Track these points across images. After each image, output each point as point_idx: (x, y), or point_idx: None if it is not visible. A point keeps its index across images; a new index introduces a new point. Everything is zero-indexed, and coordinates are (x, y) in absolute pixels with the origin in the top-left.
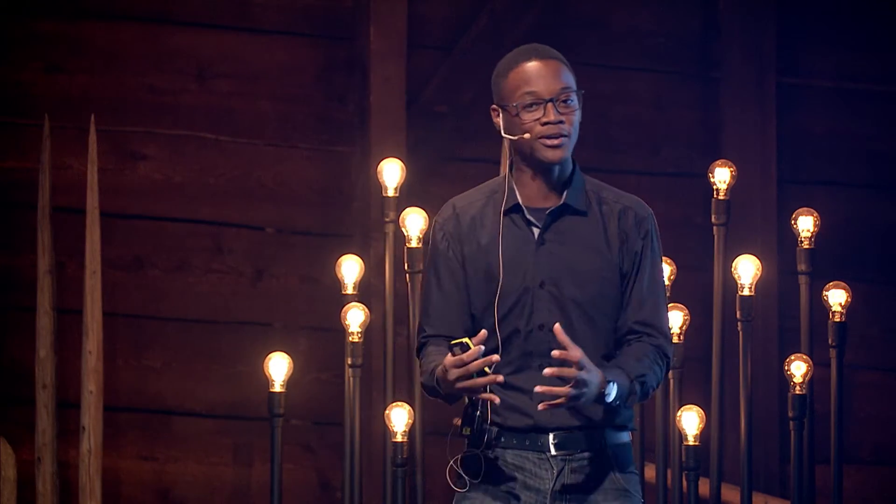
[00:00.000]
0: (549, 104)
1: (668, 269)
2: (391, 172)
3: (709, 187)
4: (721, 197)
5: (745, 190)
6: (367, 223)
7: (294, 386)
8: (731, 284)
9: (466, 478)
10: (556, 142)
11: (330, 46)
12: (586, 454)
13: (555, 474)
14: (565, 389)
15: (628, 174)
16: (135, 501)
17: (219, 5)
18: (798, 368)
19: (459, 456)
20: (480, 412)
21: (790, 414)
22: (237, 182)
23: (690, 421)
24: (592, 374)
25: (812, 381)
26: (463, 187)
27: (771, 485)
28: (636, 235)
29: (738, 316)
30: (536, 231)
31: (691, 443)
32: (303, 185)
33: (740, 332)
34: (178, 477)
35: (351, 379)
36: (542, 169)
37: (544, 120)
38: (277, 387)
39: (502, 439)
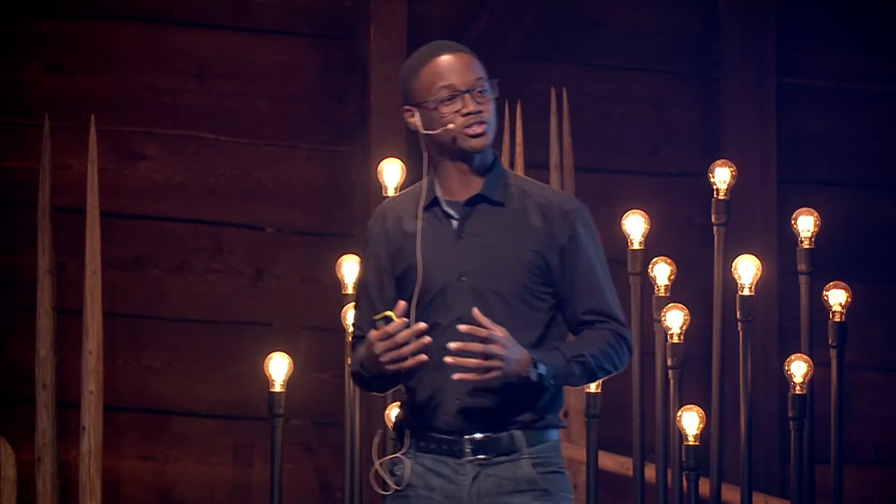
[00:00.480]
0: (467, 95)
1: (667, 269)
2: (391, 172)
3: (709, 187)
4: (721, 197)
5: (746, 190)
6: (367, 223)
7: (294, 386)
8: (731, 284)
9: (390, 482)
10: (478, 129)
11: (330, 46)
12: (503, 457)
13: (471, 479)
14: (474, 361)
15: (628, 174)
16: (135, 501)
17: (219, 5)
18: (798, 368)
19: (382, 460)
20: (404, 416)
21: (790, 414)
22: (237, 182)
23: (690, 421)
24: (511, 351)
25: (812, 381)
26: None
27: (771, 485)
28: (561, 228)
29: (738, 316)
30: (455, 224)
31: (691, 443)
32: (303, 185)
33: (740, 332)
34: (179, 477)
35: (351, 379)
36: (464, 160)
37: (465, 111)
38: (277, 387)
39: (420, 443)
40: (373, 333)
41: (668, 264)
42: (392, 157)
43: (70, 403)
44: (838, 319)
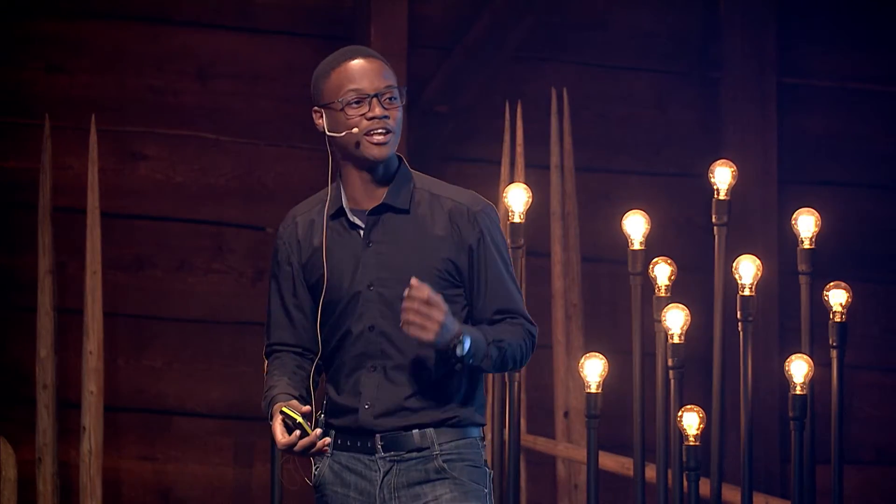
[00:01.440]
0: (374, 99)
1: (668, 270)
2: None
3: (709, 187)
4: (721, 197)
5: (746, 190)
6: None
7: None
8: (731, 284)
9: (305, 477)
10: (381, 138)
11: (331, 47)
12: (414, 453)
13: (382, 474)
14: (415, 317)
15: (629, 174)
16: (135, 502)
17: (220, 5)
18: (799, 368)
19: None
20: (321, 415)
21: (791, 414)
22: (238, 182)
23: (691, 421)
24: (448, 319)
25: (813, 382)
26: (464, 187)
27: (772, 485)
28: (469, 230)
29: (738, 316)
30: (362, 233)
31: (692, 443)
32: (303, 185)
33: (741, 333)
34: (179, 477)
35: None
36: (367, 167)
37: (370, 115)
38: None
39: (338, 441)
40: (278, 436)
41: (669, 264)
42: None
43: (70, 403)
44: (839, 319)
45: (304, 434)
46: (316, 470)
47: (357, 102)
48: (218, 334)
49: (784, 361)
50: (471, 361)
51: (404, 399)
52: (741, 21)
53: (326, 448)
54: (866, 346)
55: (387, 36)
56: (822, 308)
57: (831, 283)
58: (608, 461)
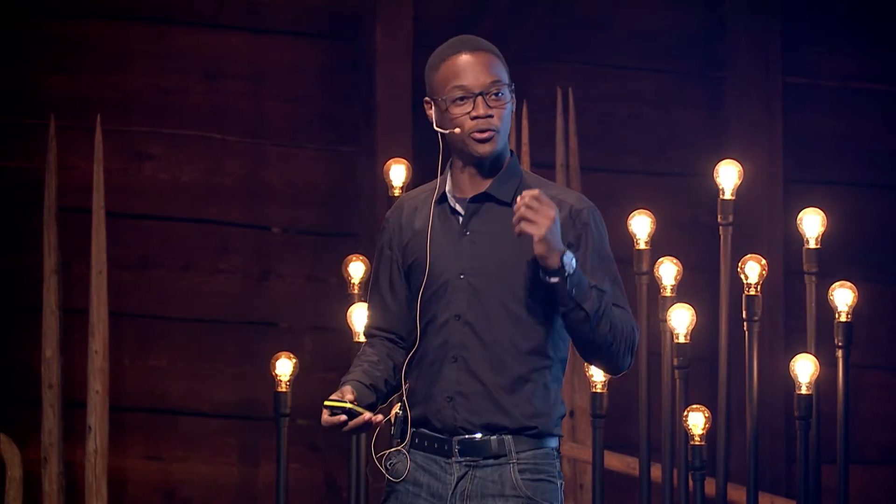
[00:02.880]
0: (479, 98)
1: (674, 269)
2: (397, 172)
3: (714, 187)
4: (727, 197)
5: (751, 190)
6: (372, 223)
7: (300, 386)
8: (737, 284)
9: (386, 474)
10: (485, 135)
11: (336, 46)
12: (491, 461)
13: (456, 479)
14: (527, 209)
15: (633, 174)
16: (141, 501)
17: (225, 6)
18: (804, 368)
19: (383, 453)
20: (403, 412)
21: (796, 414)
22: (243, 182)
23: (697, 421)
24: (556, 228)
25: (818, 381)
26: None
27: (777, 485)
28: (569, 227)
29: (744, 316)
30: (461, 220)
31: (697, 442)
32: (309, 185)
33: (746, 332)
34: (184, 477)
35: None
36: (473, 162)
37: (473, 114)
38: (283, 386)
39: (415, 440)
40: (324, 416)
41: (675, 264)
42: (398, 157)
43: (76, 403)
44: (844, 319)
45: (354, 415)
46: (390, 463)
47: (462, 100)
48: (223, 334)
49: (790, 361)
50: (573, 292)
51: (484, 399)
52: (746, 21)
53: (380, 420)
54: (872, 345)
55: (392, 36)
56: (828, 308)
57: (837, 283)
58: (614, 461)
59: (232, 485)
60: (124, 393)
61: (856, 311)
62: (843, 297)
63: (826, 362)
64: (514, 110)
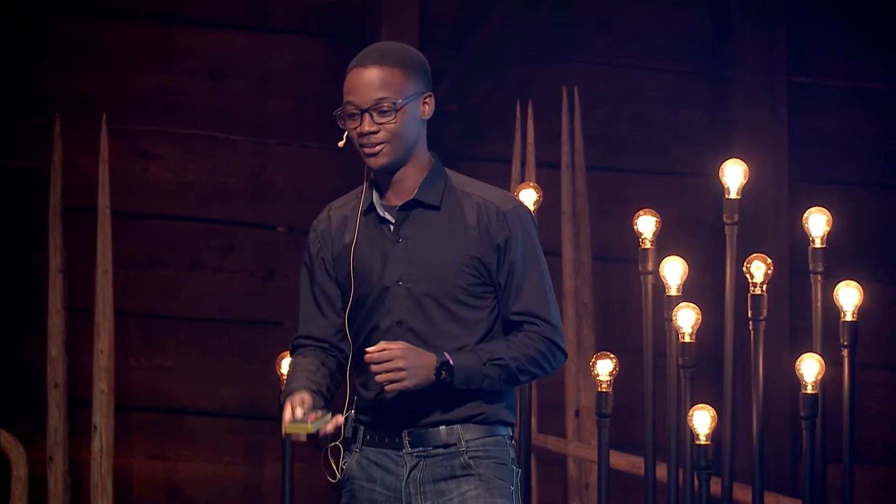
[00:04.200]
0: (365, 114)
1: (679, 269)
2: None
3: (720, 186)
4: (732, 196)
5: (757, 189)
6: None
7: None
8: (742, 284)
9: (336, 473)
10: (371, 150)
11: (341, 45)
12: (441, 449)
13: (409, 470)
14: (383, 376)
15: (639, 174)
16: (146, 500)
17: (230, 5)
18: (810, 368)
19: (327, 448)
20: (353, 412)
21: (802, 413)
22: (248, 181)
23: (702, 420)
24: (411, 361)
25: (824, 381)
26: None
27: (783, 484)
28: (498, 228)
29: (749, 315)
30: (392, 228)
31: (703, 442)
32: (314, 184)
33: (752, 332)
34: (190, 476)
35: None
36: (377, 172)
37: (359, 130)
38: None
39: (366, 437)
40: (285, 412)
41: (680, 264)
42: None
43: (81, 402)
44: (850, 319)
45: (315, 434)
46: (343, 464)
47: (351, 116)
48: (229, 333)
49: (795, 360)
50: (462, 386)
51: (431, 396)
52: (752, 20)
53: (340, 421)
54: (877, 345)
55: (397, 35)
56: (833, 307)
57: (842, 283)
58: (619, 460)
59: (237, 484)
60: (130, 392)
61: (861, 310)
62: (848, 296)
63: (831, 362)
64: (425, 116)
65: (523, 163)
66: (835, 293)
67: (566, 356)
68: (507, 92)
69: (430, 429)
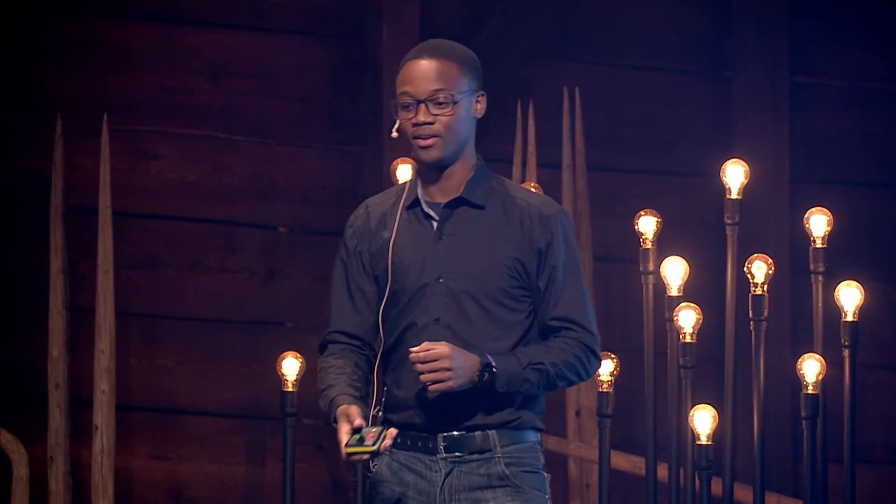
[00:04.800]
0: (421, 105)
1: (680, 269)
2: (403, 172)
3: (721, 187)
4: (733, 196)
5: (758, 189)
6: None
7: (306, 385)
8: (743, 284)
9: (364, 472)
10: (425, 142)
11: (342, 46)
12: (476, 455)
13: (443, 476)
14: (427, 376)
15: (640, 174)
16: (147, 501)
17: (232, 5)
18: (811, 368)
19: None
20: (380, 411)
21: (803, 413)
22: (250, 181)
23: (703, 420)
24: (456, 361)
25: (825, 381)
26: None
27: (784, 484)
28: (540, 233)
29: (750, 315)
30: (435, 225)
31: (704, 442)
32: (315, 184)
33: (753, 332)
34: (191, 476)
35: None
36: (428, 166)
37: (413, 121)
38: (290, 386)
39: (398, 439)
40: (342, 434)
41: (681, 264)
42: (404, 156)
43: (83, 403)
44: (851, 319)
45: (375, 454)
46: (374, 466)
47: (406, 107)
48: (230, 334)
49: (796, 361)
50: (504, 389)
51: (467, 397)
52: (753, 20)
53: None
54: (878, 345)
55: (399, 35)
56: (835, 307)
57: (843, 283)
58: (620, 460)
59: (238, 484)
60: (131, 392)
61: (862, 310)
62: (849, 296)
63: (832, 362)
64: (478, 114)
65: (524, 163)
66: (836, 293)
67: (601, 363)
68: (508, 92)
69: (465, 434)
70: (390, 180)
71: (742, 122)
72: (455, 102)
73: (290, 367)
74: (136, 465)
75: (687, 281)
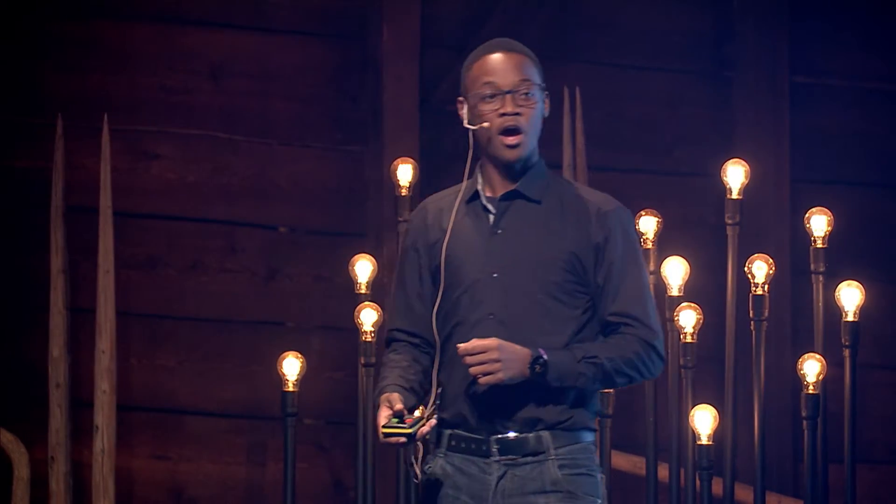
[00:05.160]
0: (508, 96)
1: (681, 269)
2: (404, 172)
3: (722, 187)
4: (734, 196)
5: (758, 189)
6: (380, 222)
7: (307, 385)
8: (744, 284)
9: (418, 473)
10: (513, 140)
11: (343, 46)
12: (530, 458)
13: (496, 479)
14: (477, 368)
15: (641, 174)
16: (148, 501)
17: (232, 5)
18: (811, 368)
19: (413, 455)
20: (436, 408)
21: (803, 413)
22: (250, 181)
23: (704, 420)
24: (506, 353)
25: (825, 381)
26: None
27: (784, 484)
28: (597, 228)
29: (751, 315)
30: (492, 219)
31: (704, 442)
32: (316, 184)
33: (753, 332)
34: (192, 476)
35: (364, 378)
36: (501, 161)
37: (501, 111)
38: (291, 386)
39: (451, 442)
40: (381, 418)
41: (682, 264)
42: (405, 156)
43: (83, 403)
44: (851, 319)
45: (412, 436)
46: (427, 468)
47: (491, 97)
48: (231, 334)
49: (797, 361)
50: (556, 383)
51: (520, 396)
52: (754, 20)
53: (434, 424)
54: (879, 345)
55: (399, 35)
56: (835, 307)
57: (844, 283)
58: (620, 460)
59: (239, 484)
60: (132, 392)
61: (863, 310)
62: (850, 296)
63: (833, 362)
64: (546, 114)
65: None
66: (836, 293)
67: (664, 362)
68: None
69: (519, 436)
70: (390, 180)
71: (742, 122)
72: (535, 95)
73: (291, 366)
74: (137, 466)
75: (687, 281)
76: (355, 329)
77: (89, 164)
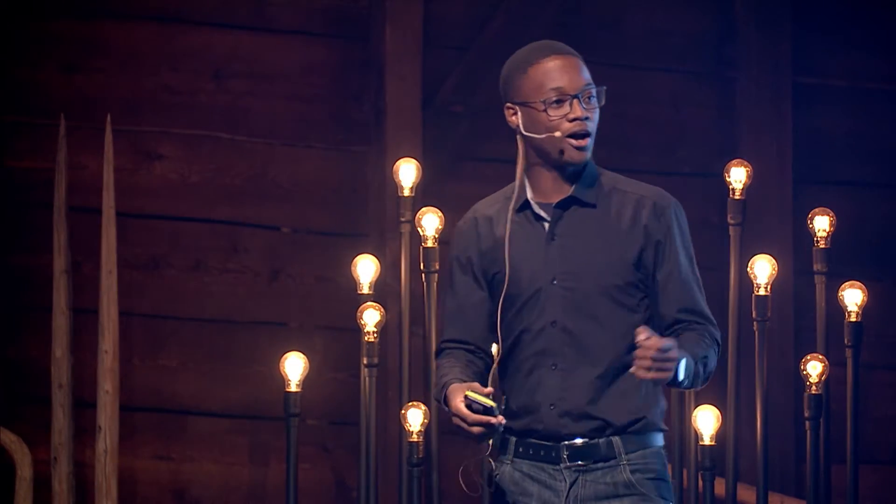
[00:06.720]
0: (575, 100)
1: None
2: (407, 172)
3: (724, 187)
4: (737, 197)
5: (761, 190)
6: (382, 223)
7: (310, 386)
8: (746, 284)
9: (482, 483)
10: (582, 143)
11: (346, 46)
12: (601, 464)
13: (568, 485)
14: (649, 363)
15: (644, 174)
16: (151, 501)
17: (234, 5)
18: (814, 368)
19: (473, 460)
20: (505, 420)
21: (806, 414)
22: (253, 182)
23: (706, 421)
24: (675, 352)
25: (828, 381)
26: (478, 187)
27: (787, 485)
28: (656, 225)
29: (753, 315)
30: (547, 226)
31: (707, 443)
32: (318, 184)
33: (756, 332)
34: (194, 477)
35: (367, 379)
36: (560, 166)
37: (571, 116)
38: (293, 386)
39: (519, 449)
40: (463, 411)
41: None
42: (407, 156)
43: (86, 403)
44: (854, 319)
45: (490, 413)
46: (496, 476)
47: (558, 103)
48: (233, 334)
49: (799, 361)
50: (684, 384)
51: (588, 401)
52: (757, 21)
53: (502, 422)
54: (881, 345)
55: (402, 35)
56: (838, 308)
57: (846, 283)
58: None
59: (242, 485)
60: (134, 393)
61: (865, 310)
62: (852, 296)
63: (835, 362)
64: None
65: None
66: (839, 293)
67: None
68: None
69: (589, 441)
70: (393, 180)
71: (745, 122)
72: (595, 98)
73: (294, 367)
74: (140, 466)
75: None
76: (358, 329)
77: (92, 164)
